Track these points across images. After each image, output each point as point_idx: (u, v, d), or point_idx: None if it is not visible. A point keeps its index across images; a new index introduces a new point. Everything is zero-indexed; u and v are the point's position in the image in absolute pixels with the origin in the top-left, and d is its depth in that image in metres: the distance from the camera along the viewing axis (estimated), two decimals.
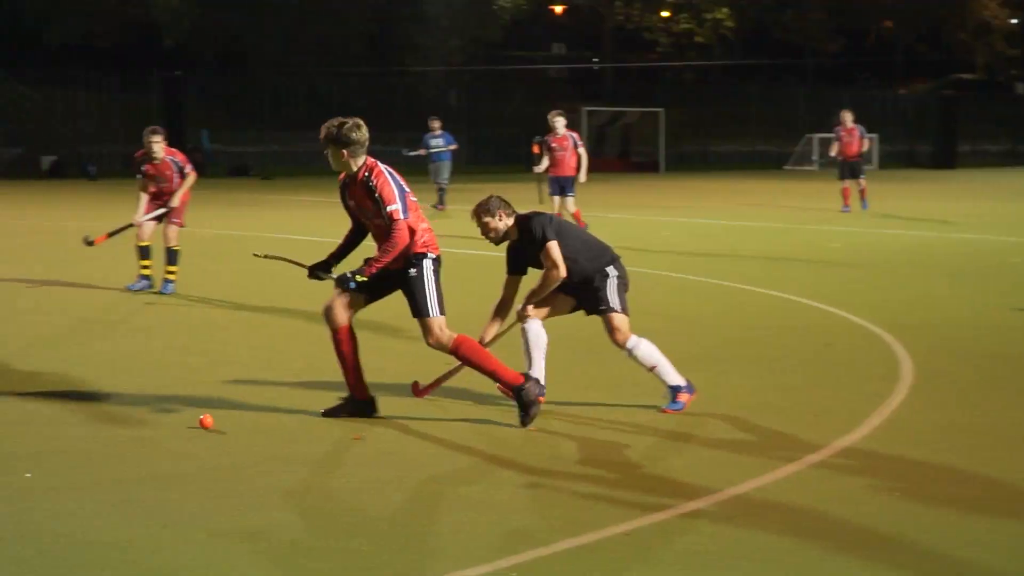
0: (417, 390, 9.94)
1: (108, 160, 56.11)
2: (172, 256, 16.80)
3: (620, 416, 9.78)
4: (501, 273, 10.10)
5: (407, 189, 9.45)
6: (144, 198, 16.87)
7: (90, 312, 15.36)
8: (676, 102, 69.44)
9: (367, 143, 9.45)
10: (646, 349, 9.95)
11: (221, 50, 68.56)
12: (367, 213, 9.52)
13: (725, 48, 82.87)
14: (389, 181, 9.30)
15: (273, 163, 55.85)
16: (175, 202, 16.76)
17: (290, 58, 68.02)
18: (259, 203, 37.65)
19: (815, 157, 63.54)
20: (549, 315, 10.15)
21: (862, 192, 32.61)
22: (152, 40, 66.61)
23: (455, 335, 9.40)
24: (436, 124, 33.56)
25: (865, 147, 33.39)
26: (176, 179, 16.81)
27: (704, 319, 14.92)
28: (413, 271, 9.39)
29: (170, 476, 8.10)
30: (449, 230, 24.63)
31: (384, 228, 9.38)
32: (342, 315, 9.57)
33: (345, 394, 9.74)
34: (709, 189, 46.63)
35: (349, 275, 9.32)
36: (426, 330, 9.43)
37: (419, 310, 9.40)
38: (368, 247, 9.68)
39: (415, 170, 40.70)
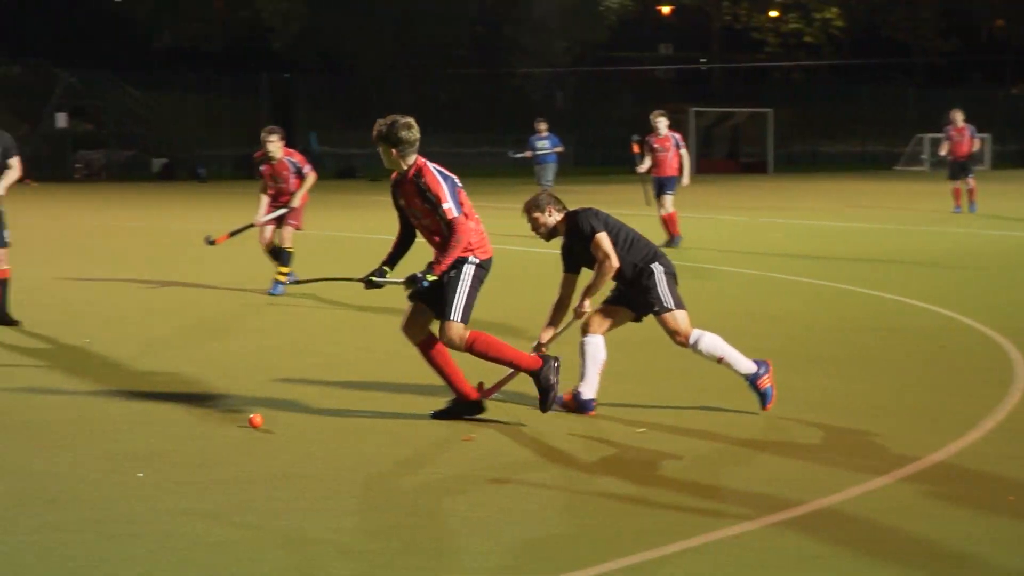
0: (481, 391, 9.89)
1: (217, 162, 56.74)
2: (285, 257, 16.92)
3: (713, 420, 9.70)
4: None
5: (459, 185, 9.48)
6: (265, 199, 17.01)
7: (206, 312, 15.50)
8: (784, 102, 69.02)
9: (417, 142, 9.48)
10: (710, 341, 9.83)
11: (329, 52, 69.03)
12: (416, 213, 9.59)
13: (834, 48, 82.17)
14: (438, 178, 9.34)
15: (380, 165, 55.88)
16: (295, 203, 16.87)
17: (397, 60, 68.37)
18: (367, 205, 37.83)
19: (925, 157, 62.90)
20: (611, 327, 10.08)
21: (971, 192, 32.16)
22: (261, 43, 67.25)
23: (467, 335, 9.40)
24: (542, 126, 33.59)
25: (976, 147, 32.99)
26: (293, 180, 16.91)
27: (811, 321, 14.79)
28: (452, 272, 9.40)
29: (280, 476, 8.16)
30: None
31: (432, 229, 9.46)
32: (418, 330, 9.64)
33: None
34: (818, 190, 46.31)
35: (420, 275, 9.36)
36: (442, 330, 9.46)
37: (443, 311, 9.40)
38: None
39: (521, 172, 40.85)
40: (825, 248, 23.56)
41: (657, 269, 9.87)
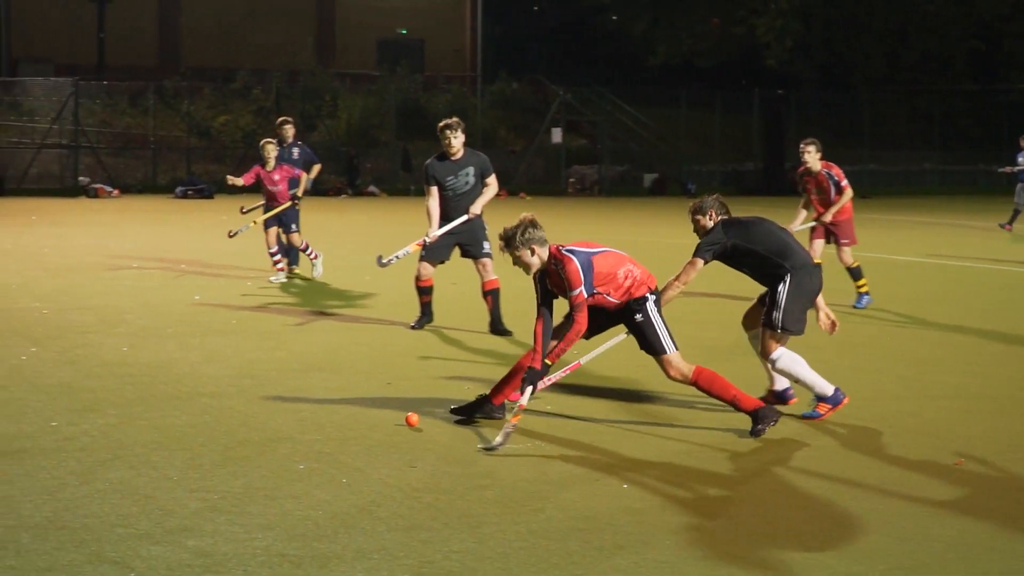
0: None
1: (706, 178, 57.03)
2: (855, 273, 17.07)
3: None
4: None
5: (593, 252, 9.65)
6: (802, 212, 17.09)
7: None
8: None
9: (544, 234, 9.67)
10: (787, 361, 10.06)
11: (822, 68, 68.44)
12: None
13: None
14: (573, 261, 9.55)
15: (871, 183, 55.22)
16: (827, 218, 16.88)
17: (892, 75, 67.20)
18: (863, 223, 37.24)
19: None
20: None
21: None
22: (754, 59, 67.31)
23: (693, 366, 9.68)
24: None
25: None
26: (832, 193, 16.90)
27: None
28: (639, 316, 9.69)
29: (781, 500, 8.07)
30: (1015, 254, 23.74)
31: (602, 300, 9.69)
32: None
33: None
34: None
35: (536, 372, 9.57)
36: (664, 365, 9.72)
37: (654, 349, 9.71)
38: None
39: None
40: None
41: (787, 280, 10.04)
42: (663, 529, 7.29)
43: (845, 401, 10.05)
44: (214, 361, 12.66)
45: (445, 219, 14.64)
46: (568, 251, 9.64)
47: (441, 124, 14.67)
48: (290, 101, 56.89)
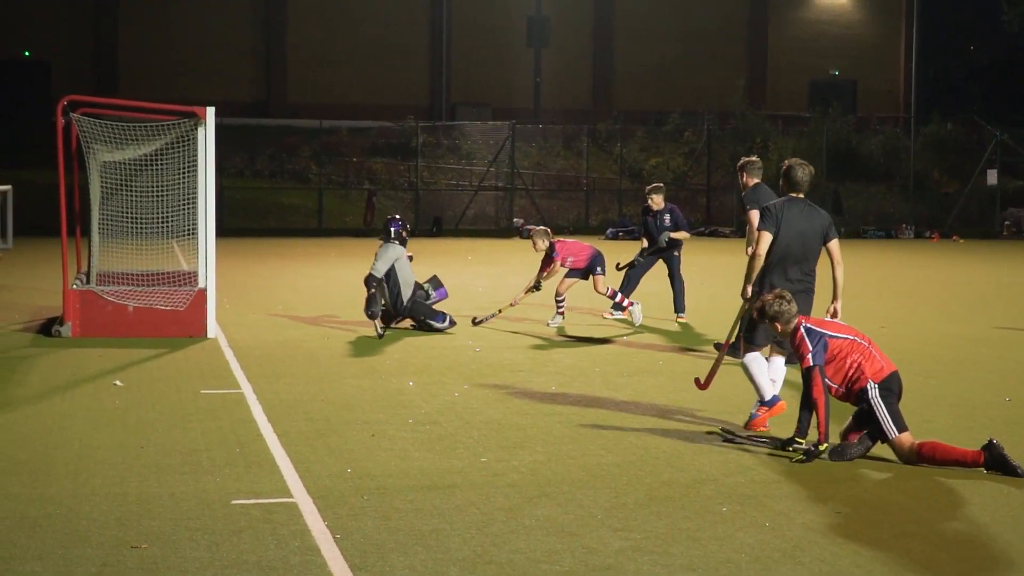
0: (699, 385, 12.07)
1: None
2: None
3: None
4: None
5: (833, 335, 10.29)
6: None
7: None
8: None
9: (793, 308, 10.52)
10: (750, 358, 11.35)
11: None
12: None
13: None
14: (804, 338, 10.30)
15: None
16: None
17: None
18: None
19: None
20: None
21: None
22: None
23: (915, 445, 9.93)
24: None
25: None
26: None
27: None
28: (864, 404, 10.16)
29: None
30: None
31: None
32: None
33: None
34: None
35: (814, 450, 10.07)
36: (892, 449, 10.08)
37: (881, 434, 10.10)
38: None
39: None
40: None
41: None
42: None
43: (779, 405, 11.23)
44: (640, 401, 12.78)
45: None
46: (804, 327, 10.37)
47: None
48: (721, 143, 57.09)
